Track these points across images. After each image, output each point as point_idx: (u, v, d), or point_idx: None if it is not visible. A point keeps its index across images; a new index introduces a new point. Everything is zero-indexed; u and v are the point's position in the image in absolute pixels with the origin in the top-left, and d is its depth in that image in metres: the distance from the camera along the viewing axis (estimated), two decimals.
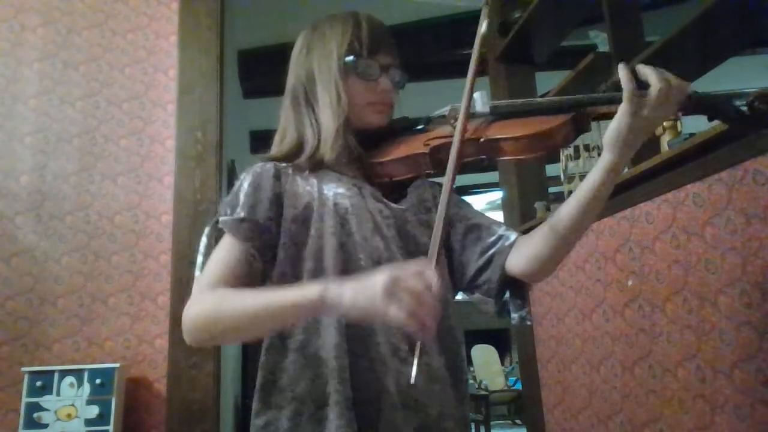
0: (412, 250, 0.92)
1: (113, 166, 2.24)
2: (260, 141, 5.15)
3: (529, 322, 0.96)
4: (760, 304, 1.21)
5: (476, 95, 0.85)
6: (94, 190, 2.21)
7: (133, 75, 2.33)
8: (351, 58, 0.92)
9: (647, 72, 0.77)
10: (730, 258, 1.29)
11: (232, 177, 3.16)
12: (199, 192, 2.20)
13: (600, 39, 2.05)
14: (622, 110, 0.77)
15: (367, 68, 0.93)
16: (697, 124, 1.44)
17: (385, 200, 0.93)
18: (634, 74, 0.77)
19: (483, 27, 0.88)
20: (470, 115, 0.84)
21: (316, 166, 0.92)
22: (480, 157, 0.86)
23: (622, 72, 0.78)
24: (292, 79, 0.99)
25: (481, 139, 0.83)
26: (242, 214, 0.86)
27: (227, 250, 0.86)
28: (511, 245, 0.94)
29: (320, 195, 0.90)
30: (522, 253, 0.92)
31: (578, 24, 2.33)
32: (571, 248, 0.91)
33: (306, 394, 0.83)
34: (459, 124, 0.83)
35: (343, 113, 0.91)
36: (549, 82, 2.39)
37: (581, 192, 0.85)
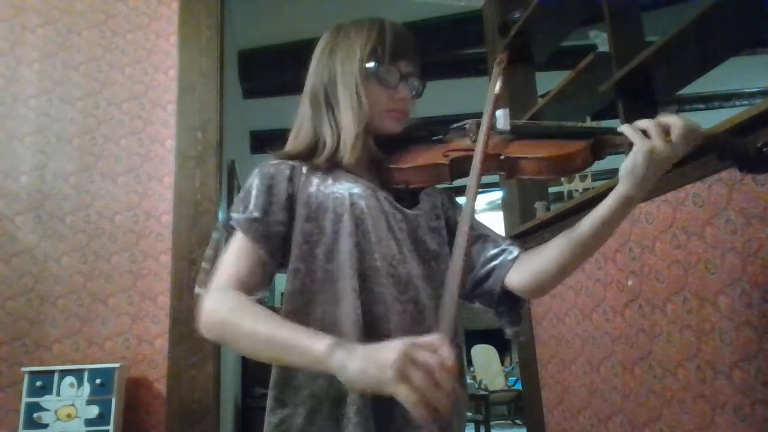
0: (423, 254, 0.94)
1: (113, 166, 2.24)
2: (260, 141, 5.15)
3: (521, 338, 0.99)
4: (760, 304, 1.21)
5: (498, 113, 0.86)
6: (94, 190, 2.21)
7: (133, 75, 2.33)
8: (373, 63, 0.93)
9: (670, 118, 0.80)
10: (730, 258, 1.29)
11: (232, 177, 3.16)
12: (199, 192, 2.20)
13: (600, 39, 2.05)
14: (635, 149, 0.80)
15: (387, 75, 0.93)
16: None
17: (398, 204, 0.95)
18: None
19: (497, 88, 0.88)
20: (492, 131, 0.86)
21: (333, 167, 0.93)
22: (499, 173, 0.87)
23: (624, 129, 0.81)
24: (312, 79, 0.98)
25: (502, 156, 0.85)
26: (255, 214, 0.87)
27: (240, 248, 0.86)
28: (514, 260, 0.96)
29: (336, 194, 0.91)
30: (523, 269, 0.94)
31: (578, 24, 2.33)
32: (573, 271, 0.93)
33: (323, 393, 0.84)
34: (475, 170, 0.81)
35: (365, 117, 0.92)
36: (549, 82, 2.39)
37: (591, 220, 0.86)
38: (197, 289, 0.86)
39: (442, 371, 0.61)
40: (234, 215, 0.88)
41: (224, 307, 0.81)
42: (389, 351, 0.63)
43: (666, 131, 0.79)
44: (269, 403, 0.86)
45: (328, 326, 0.86)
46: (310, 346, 0.71)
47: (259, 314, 0.80)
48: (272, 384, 0.87)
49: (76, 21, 2.36)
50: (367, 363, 0.65)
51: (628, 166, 0.81)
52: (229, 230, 0.89)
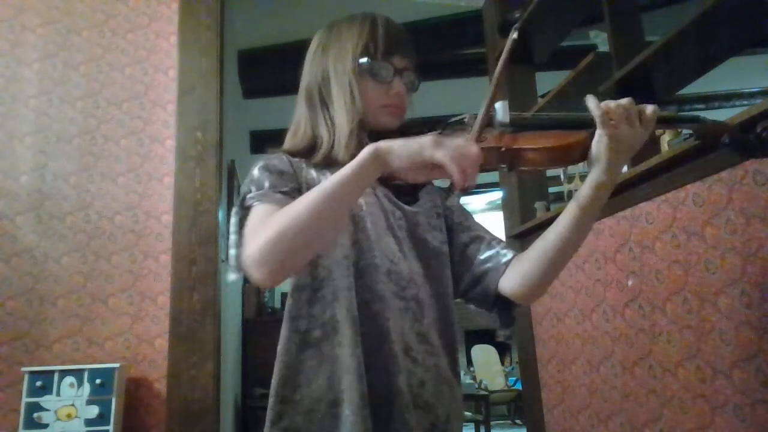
0: (423, 252, 0.94)
1: (113, 166, 2.24)
2: (260, 141, 5.15)
3: (511, 339, 1.00)
4: (760, 304, 1.21)
5: (498, 105, 0.86)
6: (94, 190, 2.21)
7: (133, 75, 2.33)
8: (365, 59, 0.92)
9: (611, 104, 0.82)
10: (730, 258, 1.29)
11: (232, 177, 3.16)
12: (199, 192, 2.20)
13: (600, 39, 2.05)
14: (598, 132, 0.82)
15: (380, 70, 0.93)
16: None
17: (398, 201, 0.95)
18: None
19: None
20: (491, 125, 0.86)
21: (331, 164, 0.92)
22: (500, 166, 0.88)
23: (590, 102, 0.83)
24: (307, 78, 0.98)
25: (503, 148, 0.85)
26: (273, 189, 0.85)
27: (263, 214, 0.82)
28: (507, 263, 0.96)
29: None
30: (516, 274, 0.94)
31: (578, 24, 2.33)
32: (562, 267, 0.92)
33: (322, 391, 0.84)
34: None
35: (358, 114, 0.91)
36: (549, 82, 2.39)
37: (571, 211, 0.87)
38: (232, 276, 0.84)
39: (469, 145, 0.75)
40: (249, 195, 0.85)
41: (269, 227, 0.75)
42: (425, 135, 0.76)
43: (627, 116, 0.81)
44: (270, 401, 0.86)
45: (327, 323, 0.86)
46: (358, 160, 0.76)
47: (302, 196, 0.77)
48: (274, 383, 0.86)
49: (76, 21, 2.36)
50: (408, 141, 0.76)
51: (594, 152, 0.82)
52: (246, 209, 0.85)
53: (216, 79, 2.32)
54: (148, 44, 2.37)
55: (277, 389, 0.86)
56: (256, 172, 0.89)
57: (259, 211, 0.83)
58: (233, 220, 0.87)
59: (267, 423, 0.86)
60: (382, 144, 0.76)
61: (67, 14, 2.36)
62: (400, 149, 0.75)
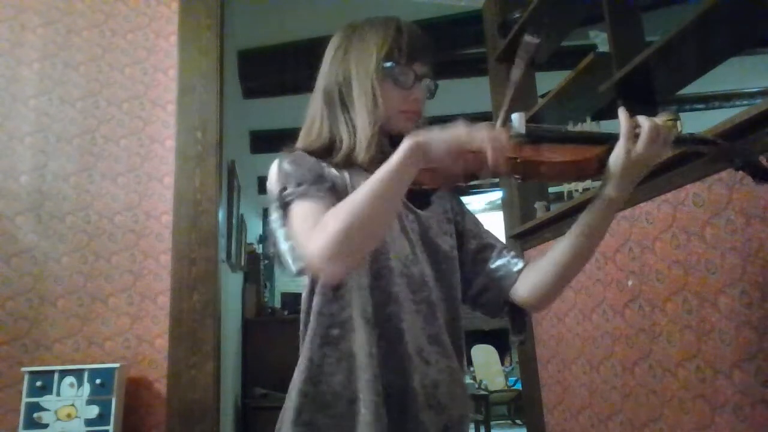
0: (434, 255, 0.94)
1: (113, 166, 2.24)
2: (260, 141, 5.15)
3: (525, 345, 1.00)
4: (760, 304, 1.21)
5: (514, 116, 0.87)
6: (94, 190, 2.21)
7: (133, 75, 2.33)
8: (389, 63, 0.93)
9: (640, 119, 0.83)
10: (730, 258, 1.29)
11: (232, 177, 3.16)
12: (199, 192, 2.20)
13: (600, 39, 2.05)
14: (620, 145, 0.82)
15: (403, 76, 0.94)
16: (697, 125, 1.43)
17: (410, 205, 0.95)
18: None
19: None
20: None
21: (349, 165, 0.92)
22: (514, 176, 0.88)
23: (621, 114, 0.84)
24: (325, 77, 0.98)
25: (518, 159, 0.86)
26: (322, 187, 0.85)
27: (307, 211, 0.82)
28: (519, 272, 0.97)
29: (353, 190, 0.90)
30: (526, 282, 0.95)
31: (578, 24, 2.33)
32: (573, 277, 0.94)
33: (340, 389, 0.84)
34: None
35: (380, 118, 0.92)
36: (549, 82, 2.39)
37: (582, 223, 0.88)
38: (299, 265, 0.82)
39: (497, 133, 0.77)
40: (287, 192, 0.84)
41: (329, 224, 0.75)
42: (453, 125, 0.77)
43: (651, 131, 0.81)
44: (291, 396, 0.86)
45: (345, 321, 0.86)
46: (400, 153, 0.75)
47: (354, 193, 0.77)
48: (297, 379, 0.86)
49: (76, 21, 2.36)
50: (444, 130, 0.77)
51: (612, 165, 0.83)
52: (285, 207, 0.85)
53: (216, 79, 2.32)
54: (148, 44, 2.37)
55: (300, 385, 0.86)
56: (287, 166, 0.87)
57: (304, 209, 0.82)
58: (275, 215, 0.86)
59: (286, 420, 0.85)
60: (421, 137, 0.76)
61: (67, 14, 2.36)
62: (438, 140, 0.76)
